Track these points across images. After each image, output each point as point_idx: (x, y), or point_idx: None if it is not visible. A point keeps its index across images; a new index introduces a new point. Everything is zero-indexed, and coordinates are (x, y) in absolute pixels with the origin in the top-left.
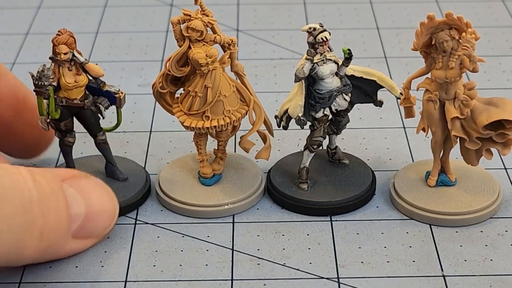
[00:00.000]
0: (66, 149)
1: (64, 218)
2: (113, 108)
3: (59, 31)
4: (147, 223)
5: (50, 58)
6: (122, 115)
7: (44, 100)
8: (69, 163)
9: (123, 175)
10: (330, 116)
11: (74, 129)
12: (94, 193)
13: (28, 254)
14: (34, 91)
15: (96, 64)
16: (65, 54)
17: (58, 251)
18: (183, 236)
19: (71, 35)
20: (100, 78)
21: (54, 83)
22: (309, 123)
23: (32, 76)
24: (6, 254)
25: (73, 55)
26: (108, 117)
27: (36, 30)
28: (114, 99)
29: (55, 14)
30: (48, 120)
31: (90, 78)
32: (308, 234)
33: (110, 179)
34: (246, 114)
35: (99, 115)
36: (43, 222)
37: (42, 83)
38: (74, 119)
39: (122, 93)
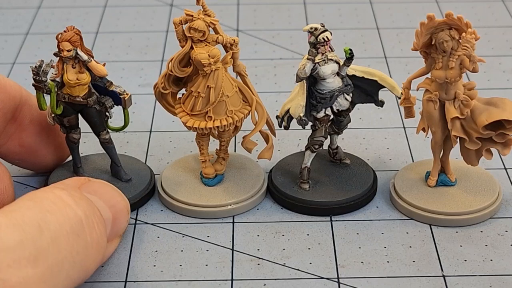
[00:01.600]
0: (72, 145)
1: (102, 224)
2: (114, 108)
3: (66, 28)
4: (147, 223)
5: (54, 54)
6: (122, 116)
7: (47, 95)
8: (76, 159)
9: (127, 176)
10: (332, 116)
11: (80, 126)
12: (107, 194)
13: (92, 270)
14: (32, 85)
15: (104, 64)
16: (68, 51)
17: (102, 261)
18: (183, 236)
19: (77, 32)
20: (106, 77)
21: (58, 79)
22: (310, 123)
23: (31, 70)
24: (77, 281)
25: (77, 52)
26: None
27: (36, 30)
28: (119, 100)
29: (55, 14)
30: (53, 115)
31: (98, 77)
32: (308, 234)
33: (114, 178)
34: (249, 114)
35: (107, 113)
36: (97, 236)
37: (40, 78)
38: (80, 116)
39: (127, 94)
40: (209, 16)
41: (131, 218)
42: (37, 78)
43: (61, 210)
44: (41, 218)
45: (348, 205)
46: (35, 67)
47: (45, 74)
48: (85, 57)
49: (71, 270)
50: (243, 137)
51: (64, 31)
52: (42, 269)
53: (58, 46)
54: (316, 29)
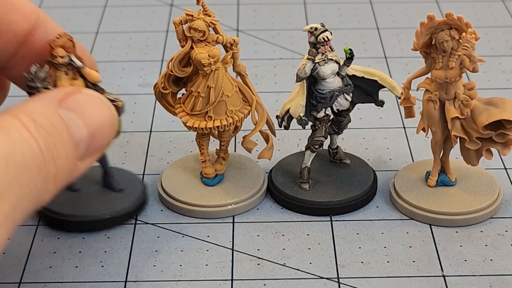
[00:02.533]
0: None
1: (71, 150)
2: None
3: (58, 34)
4: (147, 223)
5: (47, 61)
6: (123, 117)
7: None
8: None
9: (119, 186)
10: (332, 116)
11: None
12: (91, 106)
13: (45, 201)
14: (27, 92)
15: (97, 70)
16: (61, 57)
17: (69, 181)
18: (183, 236)
19: (70, 38)
20: (99, 84)
21: (50, 86)
22: (310, 123)
23: (25, 77)
24: (28, 214)
25: (70, 59)
26: None
27: None
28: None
29: (55, 14)
30: None
31: (91, 83)
32: (308, 234)
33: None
34: (249, 114)
35: None
36: (55, 167)
37: (34, 85)
38: None
39: (121, 101)
40: (209, 16)
41: (131, 218)
42: (32, 84)
43: (26, 142)
44: (10, 151)
45: (348, 205)
46: (30, 73)
47: (40, 80)
48: (79, 63)
49: (28, 203)
50: (243, 137)
51: (57, 37)
52: (6, 204)
53: (50, 52)
54: (316, 29)
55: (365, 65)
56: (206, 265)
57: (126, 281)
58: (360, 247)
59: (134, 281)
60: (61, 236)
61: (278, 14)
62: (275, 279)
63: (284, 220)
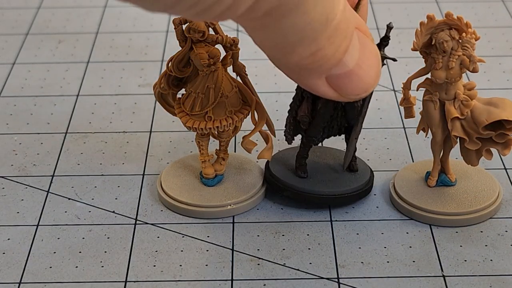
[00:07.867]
0: None
1: (338, 54)
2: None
3: None
4: (147, 223)
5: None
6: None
7: None
8: None
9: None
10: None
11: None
12: (368, 57)
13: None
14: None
15: None
16: None
17: (308, 78)
18: (183, 236)
19: None
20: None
21: None
22: None
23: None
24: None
25: None
26: (108, 118)
27: (36, 30)
28: None
29: (55, 14)
30: None
31: None
32: (308, 234)
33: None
34: (249, 115)
35: None
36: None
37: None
38: None
39: None
40: None
41: (131, 218)
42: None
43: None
44: None
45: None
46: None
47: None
48: None
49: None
50: (243, 137)
51: None
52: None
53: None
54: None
55: None
56: (206, 265)
57: (126, 281)
58: (360, 247)
59: (134, 281)
60: (61, 236)
61: None
62: (275, 279)
63: (284, 220)
